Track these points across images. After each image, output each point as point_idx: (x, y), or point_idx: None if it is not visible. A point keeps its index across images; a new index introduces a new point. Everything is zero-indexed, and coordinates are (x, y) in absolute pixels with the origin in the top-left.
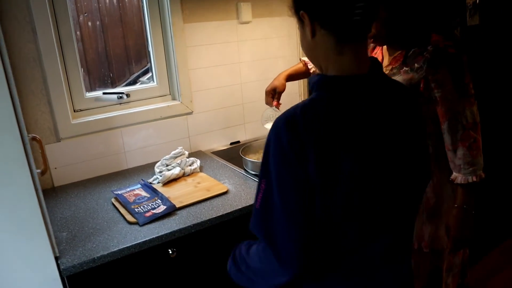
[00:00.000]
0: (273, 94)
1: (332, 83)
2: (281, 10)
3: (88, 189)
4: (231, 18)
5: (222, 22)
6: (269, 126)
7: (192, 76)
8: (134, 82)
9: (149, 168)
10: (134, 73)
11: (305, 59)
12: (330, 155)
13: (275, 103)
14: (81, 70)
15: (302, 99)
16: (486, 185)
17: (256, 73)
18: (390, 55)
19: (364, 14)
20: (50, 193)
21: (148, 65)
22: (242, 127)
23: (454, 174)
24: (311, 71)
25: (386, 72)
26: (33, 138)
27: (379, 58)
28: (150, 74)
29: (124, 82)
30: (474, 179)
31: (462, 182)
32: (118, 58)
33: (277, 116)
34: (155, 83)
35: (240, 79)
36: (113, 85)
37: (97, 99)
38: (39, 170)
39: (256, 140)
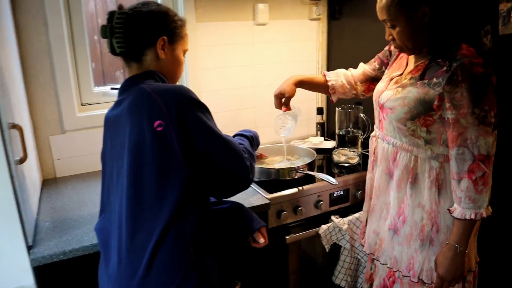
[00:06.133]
0: (282, 98)
1: None
2: (299, 13)
3: (86, 182)
4: (247, 19)
5: (238, 23)
6: (284, 134)
7: (203, 76)
8: None
9: None
10: None
11: (327, 72)
12: None
13: (283, 108)
14: (92, 64)
15: (319, 106)
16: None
17: (270, 76)
18: (415, 62)
19: None
20: (51, 183)
21: None
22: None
23: (454, 205)
24: (329, 83)
25: (404, 81)
26: (13, 126)
27: (403, 63)
28: None
29: None
30: (473, 216)
31: (459, 217)
32: None
33: (287, 122)
34: None
35: (253, 82)
36: None
37: (105, 93)
38: (17, 158)
39: (269, 145)
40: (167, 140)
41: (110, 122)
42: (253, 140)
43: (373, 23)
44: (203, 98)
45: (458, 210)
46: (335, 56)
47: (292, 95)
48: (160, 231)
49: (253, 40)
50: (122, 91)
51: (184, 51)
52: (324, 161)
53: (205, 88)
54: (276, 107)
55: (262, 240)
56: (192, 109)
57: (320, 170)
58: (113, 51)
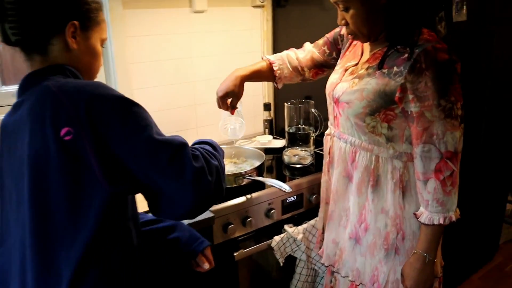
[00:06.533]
0: (228, 99)
1: None
2: None
3: None
4: (182, 6)
5: (172, 10)
6: (239, 134)
7: (133, 72)
8: None
9: None
10: None
11: (270, 57)
12: None
13: (232, 111)
14: None
15: (266, 101)
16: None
17: (211, 70)
18: (371, 50)
19: None
20: None
21: None
22: (194, 132)
23: (420, 209)
24: (277, 73)
25: (361, 71)
26: None
27: (358, 52)
28: None
29: None
30: (441, 221)
31: (426, 222)
32: None
33: (236, 124)
34: None
35: (192, 76)
36: None
37: (14, 95)
38: None
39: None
40: (79, 152)
41: (8, 130)
42: (216, 148)
43: (321, 11)
44: (135, 97)
45: (426, 215)
46: (281, 46)
47: (240, 95)
48: (73, 273)
49: (191, 29)
50: (21, 90)
51: (102, 41)
52: (273, 162)
53: (137, 85)
54: (220, 108)
55: (206, 265)
56: (112, 109)
57: (270, 172)
58: (6, 40)
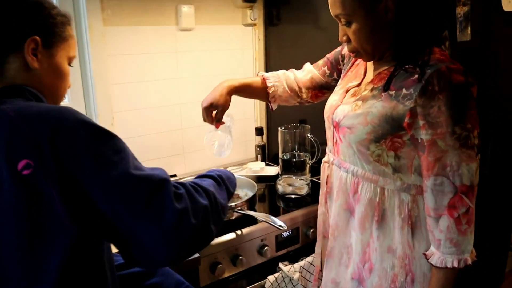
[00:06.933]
0: (213, 111)
1: None
2: (231, 17)
3: None
4: (168, 24)
5: (157, 28)
6: (224, 154)
7: (115, 93)
8: None
9: None
10: None
11: (265, 73)
12: None
13: (216, 124)
14: None
15: (258, 125)
16: None
17: (199, 92)
18: (375, 69)
19: None
20: None
21: None
22: (181, 158)
23: (431, 249)
24: (270, 90)
25: (364, 92)
26: None
27: (361, 71)
28: None
29: None
30: (455, 264)
31: (438, 265)
32: None
33: (219, 140)
34: (67, 99)
35: (179, 99)
36: None
37: None
38: None
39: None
40: (39, 189)
41: None
42: (222, 181)
43: (316, 29)
44: (116, 120)
45: (437, 256)
46: (274, 66)
47: (226, 107)
48: None
49: (177, 48)
50: None
51: (70, 59)
52: (266, 190)
53: (118, 107)
54: (205, 121)
55: None
56: (80, 138)
57: (262, 202)
58: None
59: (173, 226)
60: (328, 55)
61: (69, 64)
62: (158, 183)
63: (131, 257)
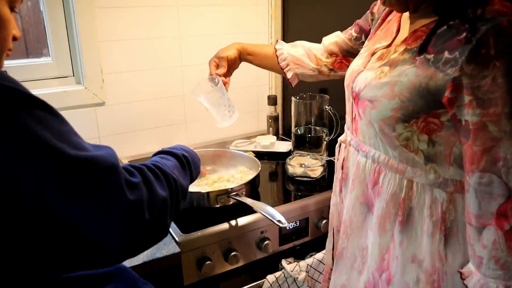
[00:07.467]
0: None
1: None
2: None
3: None
4: None
5: None
6: (233, 119)
7: (105, 52)
8: None
9: None
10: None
11: (280, 46)
12: None
13: (223, 80)
14: None
15: (271, 94)
16: None
17: (204, 53)
18: (410, 26)
19: None
20: None
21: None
22: (183, 127)
23: (469, 266)
24: (278, 52)
25: (394, 55)
26: None
27: (393, 29)
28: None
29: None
30: None
31: None
32: None
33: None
34: (51, 58)
35: (181, 61)
36: None
37: None
38: None
39: (201, 147)
40: None
41: None
42: (187, 162)
43: None
44: (106, 84)
45: (476, 278)
46: (294, 26)
47: (233, 59)
48: None
49: (179, 1)
50: None
51: (11, 2)
52: (274, 171)
53: (109, 68)
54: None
55: None
56: (4, 109)
57: (267, 187)
58: None
59: (123, 221)
60: (358, 20)
61: (12, 10)
62: (106, 169)
63: (73, 257)
